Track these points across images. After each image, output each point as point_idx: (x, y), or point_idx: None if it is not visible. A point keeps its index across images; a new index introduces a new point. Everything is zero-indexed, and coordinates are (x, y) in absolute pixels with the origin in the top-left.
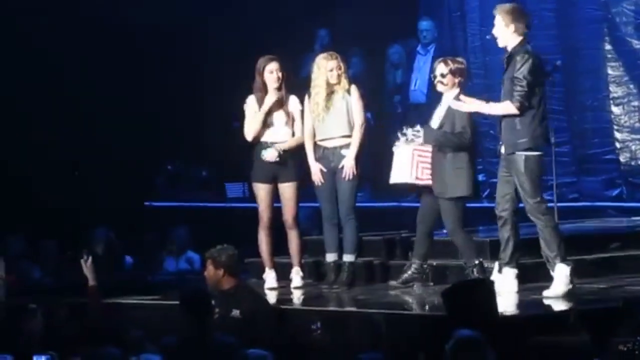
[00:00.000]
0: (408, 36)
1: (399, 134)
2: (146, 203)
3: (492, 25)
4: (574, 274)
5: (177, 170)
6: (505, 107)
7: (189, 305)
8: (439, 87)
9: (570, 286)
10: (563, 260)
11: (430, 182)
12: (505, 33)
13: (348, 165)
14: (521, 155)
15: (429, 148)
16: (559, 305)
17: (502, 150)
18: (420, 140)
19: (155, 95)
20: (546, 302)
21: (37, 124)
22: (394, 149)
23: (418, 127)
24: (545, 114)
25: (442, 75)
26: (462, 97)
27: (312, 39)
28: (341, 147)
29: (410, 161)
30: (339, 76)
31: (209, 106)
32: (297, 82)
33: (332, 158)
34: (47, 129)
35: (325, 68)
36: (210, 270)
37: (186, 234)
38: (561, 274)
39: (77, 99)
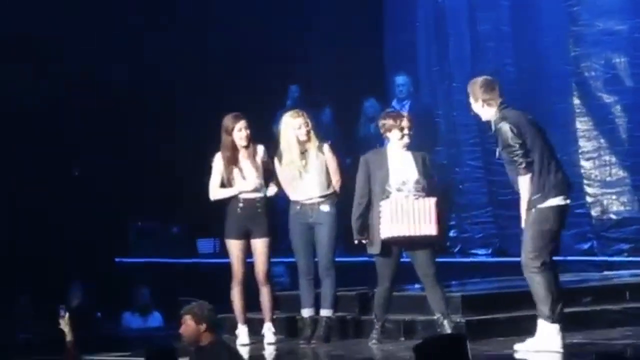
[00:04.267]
0: (377, 91)
1: (395, 189)
2: (117, 259)
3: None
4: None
5: (147, 227)
6: (523, 181)
7: None
8: (407, 139)
9: (553, 346)
10: (549, 319)
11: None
12: (478, 108)
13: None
14: (532, 210)
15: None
16: None
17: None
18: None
19: (126, 149)
20: (518, 356)
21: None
22: (399, 201)
23: (417, 179)
24: (550, 165)
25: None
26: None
27: (284, 95)
28: (319, 203)
29: (435, 214)
30: (308, 132)
31: (180, 162)
32: (271, 137)
33: (310, 213)
34: (15, 182)
35: (292, 126)
36: (190, 326)
37: (149, 293)
38: (542, 331)
39: (49, 153)
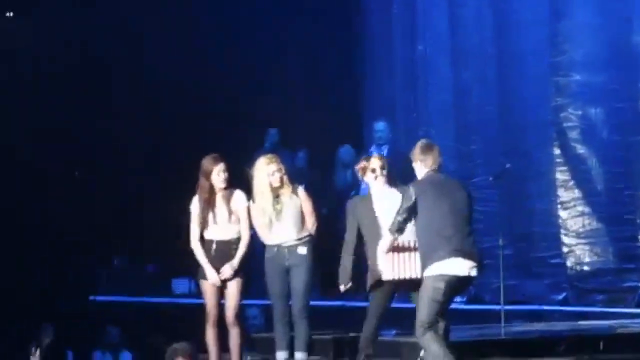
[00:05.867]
0: (353, 137)
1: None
2: (91, 297)
3: None
4: None
5: (122, 265)
6: (386, 239)
7: None
8: (382, 179)
9: None
10: None
11: None
12: (416, 166)
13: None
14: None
15: None
16: None
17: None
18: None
19: (103, 190)
20: None
21: None
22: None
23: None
24: (443, 231)
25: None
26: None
27: (263, 137)
28: (296, 245)
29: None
30: (281, 178)
31: (156, 202)
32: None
33: (287, 256)
34: None
35: (266, 172)
36: None
37: (119, 333)
38: None
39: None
